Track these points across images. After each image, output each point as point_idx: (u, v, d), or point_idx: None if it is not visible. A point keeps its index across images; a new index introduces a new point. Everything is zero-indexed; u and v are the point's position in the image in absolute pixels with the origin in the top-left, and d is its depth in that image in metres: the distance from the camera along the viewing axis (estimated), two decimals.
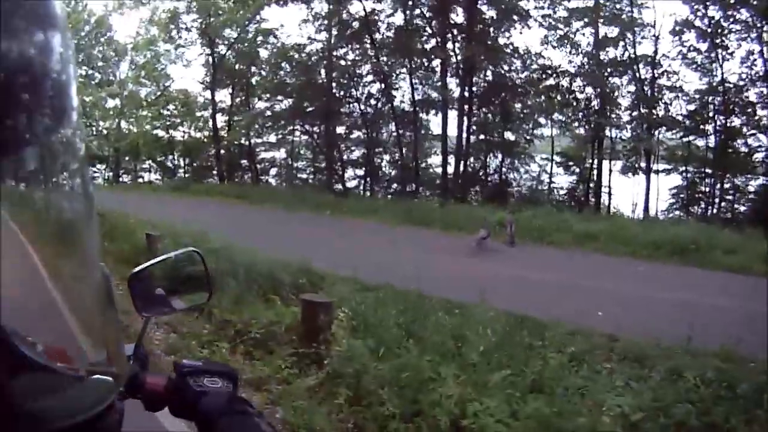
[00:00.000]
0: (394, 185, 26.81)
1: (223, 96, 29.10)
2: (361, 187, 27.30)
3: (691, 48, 22.47)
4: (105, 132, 29.15)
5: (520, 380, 5.23)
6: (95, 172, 27.45)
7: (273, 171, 29.51)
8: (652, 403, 4.92)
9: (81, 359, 0.73)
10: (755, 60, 21.30)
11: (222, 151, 28.97)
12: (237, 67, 28.47)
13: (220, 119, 29.08)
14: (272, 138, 28.74)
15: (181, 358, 5.48)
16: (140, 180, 29.53)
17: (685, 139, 23.60)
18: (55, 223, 0.73)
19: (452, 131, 25.29)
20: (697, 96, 22.85)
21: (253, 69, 28.66)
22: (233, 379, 1.28)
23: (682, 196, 23.41)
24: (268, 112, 27.95)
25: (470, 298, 7.27)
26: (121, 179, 29.53)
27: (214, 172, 29.44)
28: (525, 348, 6.11)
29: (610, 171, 24.63)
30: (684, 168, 23.64)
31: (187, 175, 29.01)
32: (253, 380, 5.61)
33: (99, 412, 0.70)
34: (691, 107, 23.14)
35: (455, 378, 5.02)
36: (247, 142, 28.68)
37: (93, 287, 0.78)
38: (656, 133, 23.54)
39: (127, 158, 30.46)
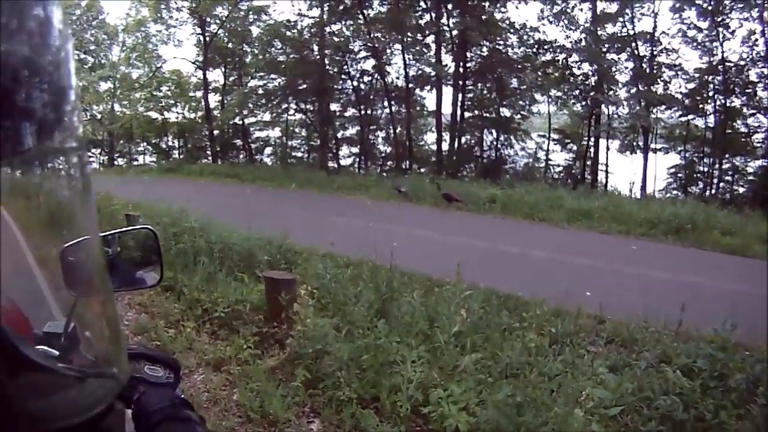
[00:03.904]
0: (389, 162, 26.68)
1: (216, 75, 29.14)
2: (356, 165, 27.18)
3: (692, 26, 22.14)
4: (98, 116, 29.02)
5: (493, 365, 5.00)
6: (90, 156, 27.17)
7: (267, 150, 29.47)
8: (636, 394, 4.65)
9: (81, 359, 0.80)
10: (756, 40, 21.02)
11: (216, 131, 28.96)
12: (229, 45, 28.27)
13: (213, 99, 29.14)
14: (266, 116, 28.64)
15: (148, 338, 5.18)
16: (135, 163, 29.31)
17: (683, 118, 23.54)
18: (53, 211, 0.78)
19: (447, 108, 25.18)
20: (696, 75, 22.62)
21: (245, 47, 28.43)
22: (175, 370, 1.17)
23: (680, 175, 23.25)
24: (261, 90, 27.69)
25: (451, 275, 7.00)
26: (116, 163, 29.45)
27: (208, 152, 29.33)
28: (502, 329, 5.86)
29: (608, 149, 24.38)
30: (683, 147, 23.60)
31: (181, 156, 28.99)
32: (214, 360, 5.47)
33: (99, 412, 0.69)
34: (691, 86, 22.91)
35: (422, 361, 4.76)
36: (240, 122, 28.59)
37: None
38: (654, 111, 23.29)
39: (121, 141, 30.54)
